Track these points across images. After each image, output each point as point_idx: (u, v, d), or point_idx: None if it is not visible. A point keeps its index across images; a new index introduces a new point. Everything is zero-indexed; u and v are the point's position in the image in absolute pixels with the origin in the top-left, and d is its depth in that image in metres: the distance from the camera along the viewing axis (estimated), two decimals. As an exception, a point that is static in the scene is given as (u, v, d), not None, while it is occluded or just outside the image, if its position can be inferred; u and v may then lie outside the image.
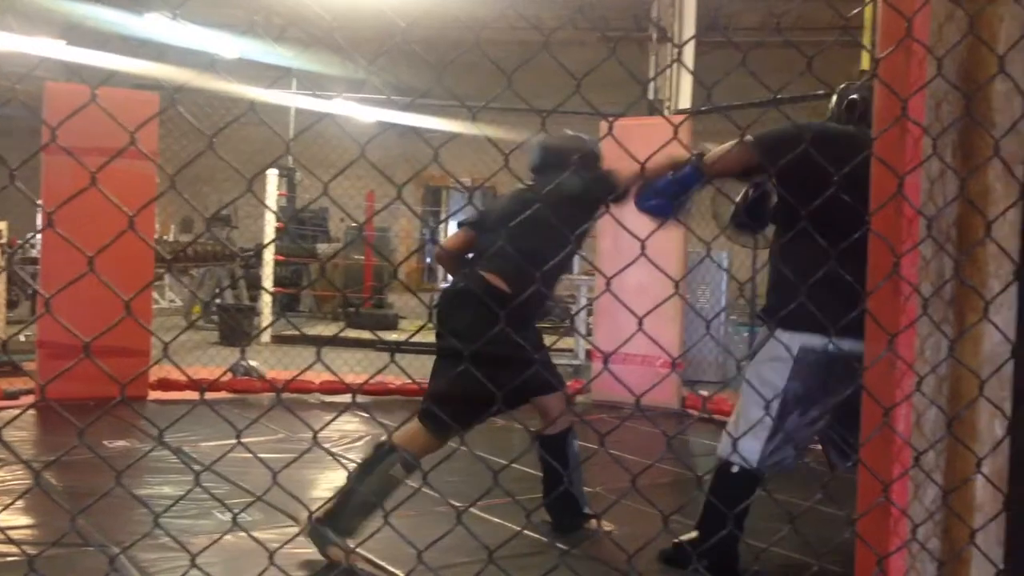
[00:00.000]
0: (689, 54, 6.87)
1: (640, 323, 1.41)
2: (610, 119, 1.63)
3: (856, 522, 1.79)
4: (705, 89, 1.65)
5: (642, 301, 1.63)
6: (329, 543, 2.97)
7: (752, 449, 2.83)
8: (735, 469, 2.85)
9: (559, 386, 3.48)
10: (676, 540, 3.02)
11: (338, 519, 2.97)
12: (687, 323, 6.48)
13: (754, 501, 2.76)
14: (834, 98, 3.14)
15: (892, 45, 1.73)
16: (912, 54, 1.72)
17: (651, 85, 7.23)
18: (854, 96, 3.05)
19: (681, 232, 6.14)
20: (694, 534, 3.00)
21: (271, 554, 1.49)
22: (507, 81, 1.37)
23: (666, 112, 7.08)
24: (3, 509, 2.02)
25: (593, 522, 3.43)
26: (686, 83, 7.24)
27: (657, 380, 5.46)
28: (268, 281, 9.50)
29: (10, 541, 2.51)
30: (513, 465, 1.90)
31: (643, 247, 1.52)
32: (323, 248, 12.04)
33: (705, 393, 4.32)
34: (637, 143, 1.66)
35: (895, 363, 1.72)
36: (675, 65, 7.04)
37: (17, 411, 2.07)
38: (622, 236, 5.44)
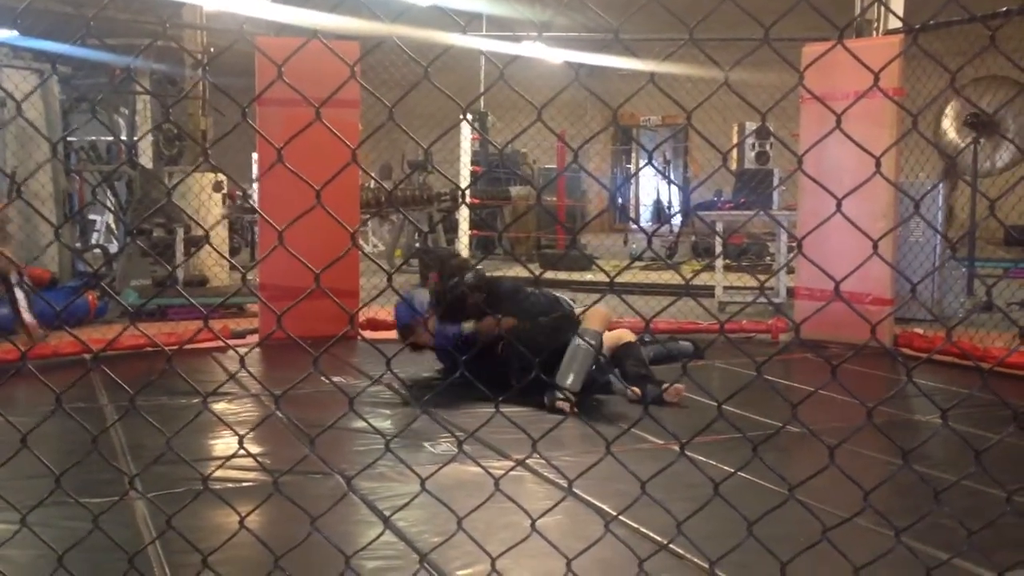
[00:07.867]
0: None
1: (877, 249, 1.33)
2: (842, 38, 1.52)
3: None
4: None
5: (847, 234, 1.54)
6: None
7: None
8: None
9: None
10: None
11: None
12: (898, 257, 6.10)
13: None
14: None
15: None
16: None
17: (857, 4, 6.75)
18: None
19: (893, 159, 5.76)
20: None
21: (496, 480, 1.55)
22: None
23: (875, 34, 6.62)
24: (246, 435, 2.19)
25: None
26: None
27: (866, 317, 5.17)
28: (465, 224, 9.75)
29: (260, 467, 2.75)
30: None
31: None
32: (516, 191, 12.17)
33: (920, 331, 4.07)
34: (843, 68, 1.55)
35: None
36: (884, -19, 6.52)
37: (245, 348, 2.23)
38: (824, 163, 5.07)
